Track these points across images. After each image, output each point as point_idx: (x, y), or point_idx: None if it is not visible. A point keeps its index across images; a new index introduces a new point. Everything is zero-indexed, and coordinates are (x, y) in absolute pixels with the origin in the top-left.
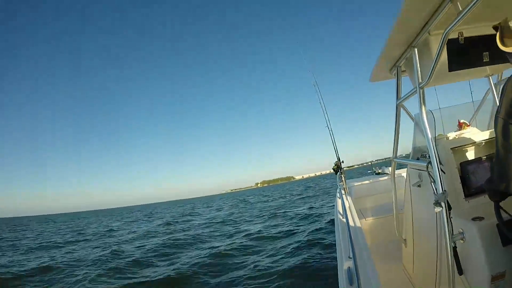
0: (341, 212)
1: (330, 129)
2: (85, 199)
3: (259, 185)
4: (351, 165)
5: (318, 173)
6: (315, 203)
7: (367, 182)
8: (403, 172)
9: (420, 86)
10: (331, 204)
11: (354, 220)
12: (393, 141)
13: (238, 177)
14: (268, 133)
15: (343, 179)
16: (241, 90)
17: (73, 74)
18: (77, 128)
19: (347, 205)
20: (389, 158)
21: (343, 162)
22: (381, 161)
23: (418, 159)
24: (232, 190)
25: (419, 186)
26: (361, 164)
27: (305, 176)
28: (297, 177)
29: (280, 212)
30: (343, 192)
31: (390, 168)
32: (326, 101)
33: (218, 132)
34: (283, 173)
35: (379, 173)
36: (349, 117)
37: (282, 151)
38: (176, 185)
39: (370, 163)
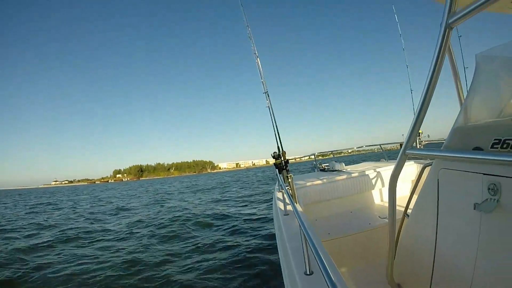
0: (292, 229)
1: (270, 107)
2: None
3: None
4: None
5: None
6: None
7: (315, 182)
8: (368, 170)
9: None
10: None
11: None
12: (414, 118)
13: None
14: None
15: (290, 180)
16: None
17: None
18: None
19: (304, 219)
20: (339, 151)
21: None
22: (323, 154)
23: (477, 149)
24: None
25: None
26: (295, 158)
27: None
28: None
29: None
30: (290, 198)
31: (341, 165)
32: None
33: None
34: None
35: (324, 170)
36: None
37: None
38: None
39: (313, 157)
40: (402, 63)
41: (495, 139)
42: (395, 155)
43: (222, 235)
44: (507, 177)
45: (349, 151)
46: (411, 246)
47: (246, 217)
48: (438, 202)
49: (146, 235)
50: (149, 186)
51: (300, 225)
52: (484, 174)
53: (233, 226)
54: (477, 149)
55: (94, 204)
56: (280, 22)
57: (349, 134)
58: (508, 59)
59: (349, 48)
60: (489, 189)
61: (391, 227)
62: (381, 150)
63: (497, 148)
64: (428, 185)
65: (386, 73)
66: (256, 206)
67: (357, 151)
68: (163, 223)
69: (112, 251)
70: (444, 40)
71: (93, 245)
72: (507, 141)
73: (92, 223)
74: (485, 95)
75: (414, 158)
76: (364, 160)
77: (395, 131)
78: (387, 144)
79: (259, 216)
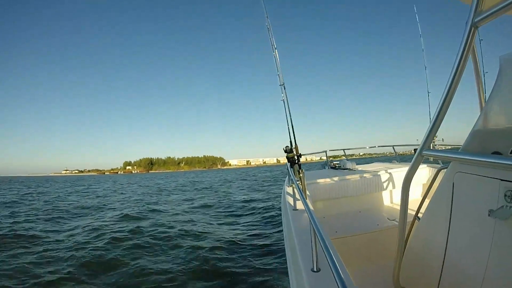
0: (301, 225)
1: (286, 100)
2: None
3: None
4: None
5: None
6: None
7: (325, 179)
8: (379, 171)
9: None
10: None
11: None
12: (433, 118)
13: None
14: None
15: (301, 174)
16: None
17: None
18: None
19: (314, 215)
20: (351, 153)
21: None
22: (336, 152)
23: (496, 154)
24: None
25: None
26: (306, 158)
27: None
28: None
29: None
30: (300, 194)
31: (352, 163)
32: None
33: None
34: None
35: (335, 167)
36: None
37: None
38: None
39: (325, 155)
40: (408, 65)
41: None
42: (408, 160)
43: (191, 272)
44: None
45: (361, 153)
46: (420, 250)
47: (236, 238)
48: (451, 206)
49: (87, 255)
50: (150, 180)
51: (310, 220)
52: (501, 180)
53: (214, 253)
54: (496, 153)
55: (77, 199)
56: (298, 23)
57: (349, 136)
58: None
59: (349, 49)
60: (505, 195)
61: (401, 229)
62: (393, 154)
63: None
64: (443, 188)
65: (385, 78)
66: (255, 217)
67: (369, 154)
68: (124, 236)
69: (23, 277)
70: (469, 40)
71: (13, 260)
72: None
73: (49, 224)
74: (508, 99)
75: (428, 161)
76: None
77: (405, 135)
78: (400, 145)
79: (259, 241)
